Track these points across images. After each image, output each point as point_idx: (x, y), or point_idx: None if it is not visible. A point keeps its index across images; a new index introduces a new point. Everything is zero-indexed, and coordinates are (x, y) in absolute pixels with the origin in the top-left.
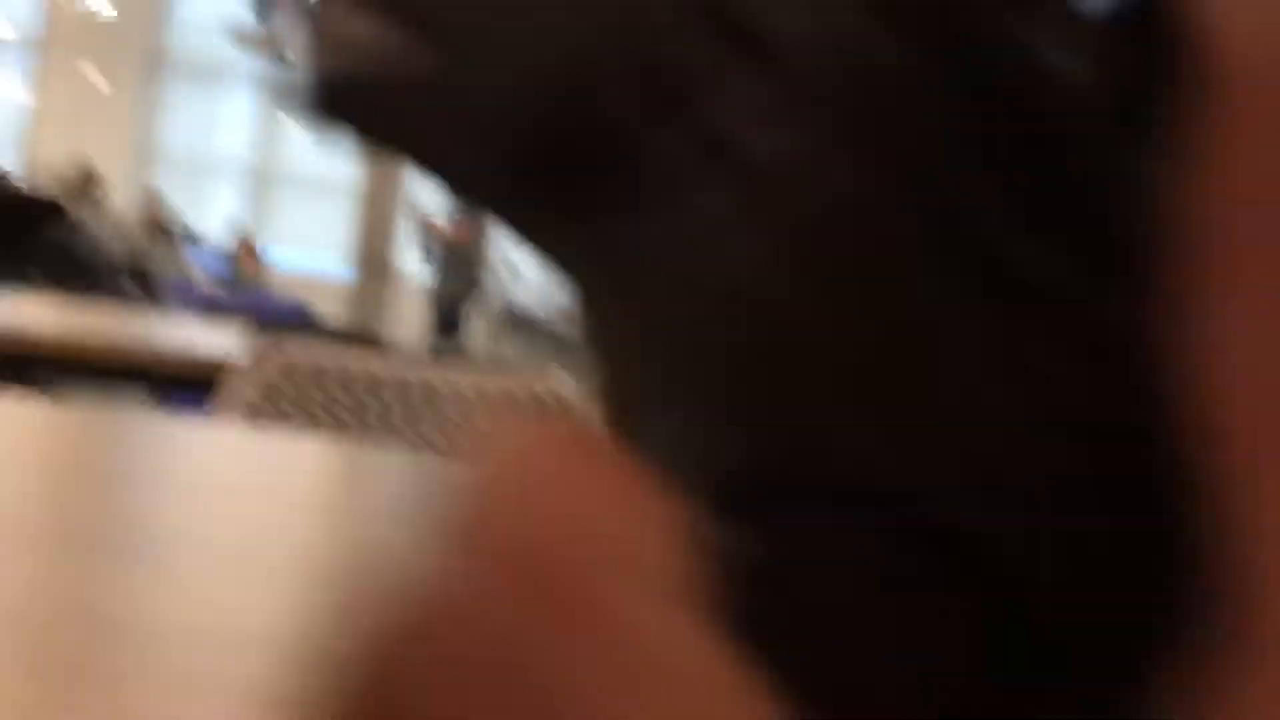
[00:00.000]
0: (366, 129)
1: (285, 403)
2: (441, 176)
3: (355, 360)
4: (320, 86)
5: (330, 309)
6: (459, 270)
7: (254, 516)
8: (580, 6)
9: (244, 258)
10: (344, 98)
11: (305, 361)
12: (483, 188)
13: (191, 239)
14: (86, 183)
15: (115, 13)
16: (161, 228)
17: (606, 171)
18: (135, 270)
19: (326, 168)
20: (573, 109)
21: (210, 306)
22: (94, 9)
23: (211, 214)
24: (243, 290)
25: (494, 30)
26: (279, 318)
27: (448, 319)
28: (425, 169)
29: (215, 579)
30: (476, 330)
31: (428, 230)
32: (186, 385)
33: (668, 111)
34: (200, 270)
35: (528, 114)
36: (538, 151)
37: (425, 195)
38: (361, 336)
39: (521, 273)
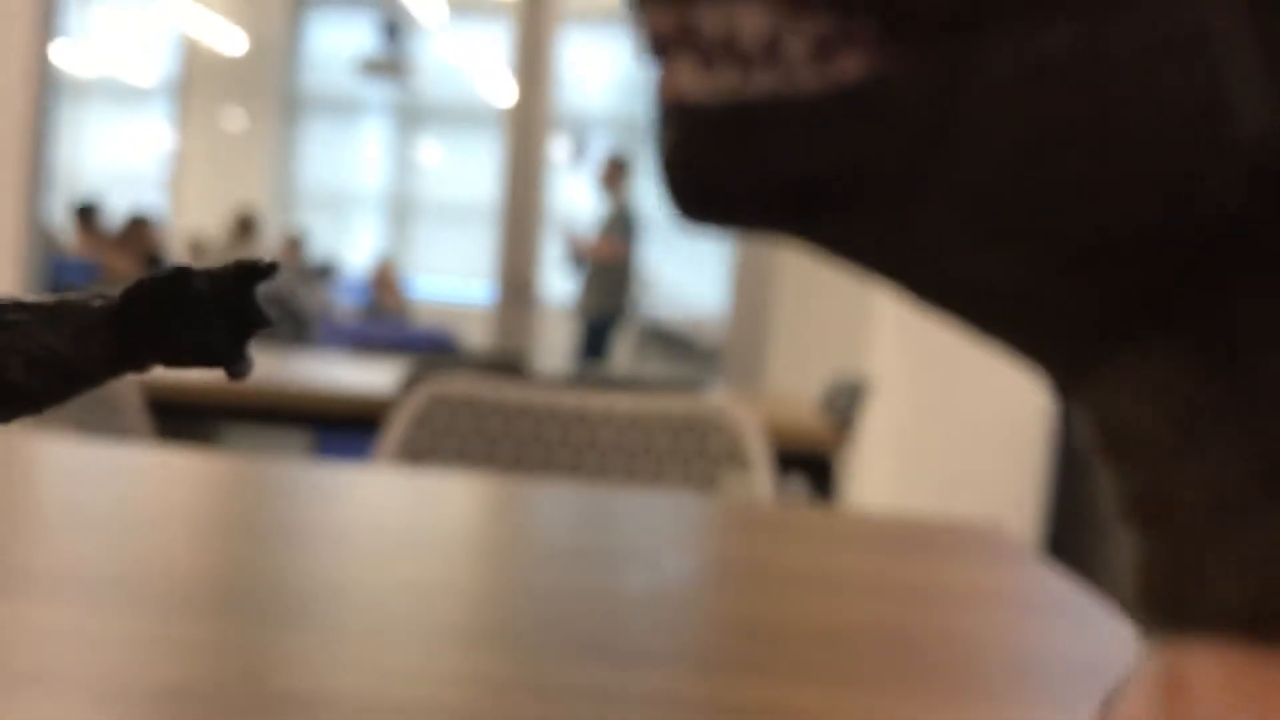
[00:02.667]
0: (774, 204)
1: (441, 435)
2: (923, 286)
3: (507, 389)
4: (692, 128)
5: (475, 334)
6: (605, 288)
7: (423, 568)
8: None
9: (385, 289)
10: (735, 143)
11: (458, 392)
12: (1020, 311)
13: (333, 275)
14: (246, 227)
15: (248, 54)
16: (306, 265)
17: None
18: (285, 309)
19: (465, 194)
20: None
21: (356, 340)
22: (228, 51)
23: (352, 247)
24: (386, 322)
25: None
26: (425, 347)
27: (594, 339)
28: (889, 269)
29: (386, 641)
30: (618, 348)
31: (575, 247)
32: (346, 424)
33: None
34: (344, 304)
35: (1163, 182)
36: (1155, 247)
37: (564, 212)
38: (507, 361)
39: (665, 289)
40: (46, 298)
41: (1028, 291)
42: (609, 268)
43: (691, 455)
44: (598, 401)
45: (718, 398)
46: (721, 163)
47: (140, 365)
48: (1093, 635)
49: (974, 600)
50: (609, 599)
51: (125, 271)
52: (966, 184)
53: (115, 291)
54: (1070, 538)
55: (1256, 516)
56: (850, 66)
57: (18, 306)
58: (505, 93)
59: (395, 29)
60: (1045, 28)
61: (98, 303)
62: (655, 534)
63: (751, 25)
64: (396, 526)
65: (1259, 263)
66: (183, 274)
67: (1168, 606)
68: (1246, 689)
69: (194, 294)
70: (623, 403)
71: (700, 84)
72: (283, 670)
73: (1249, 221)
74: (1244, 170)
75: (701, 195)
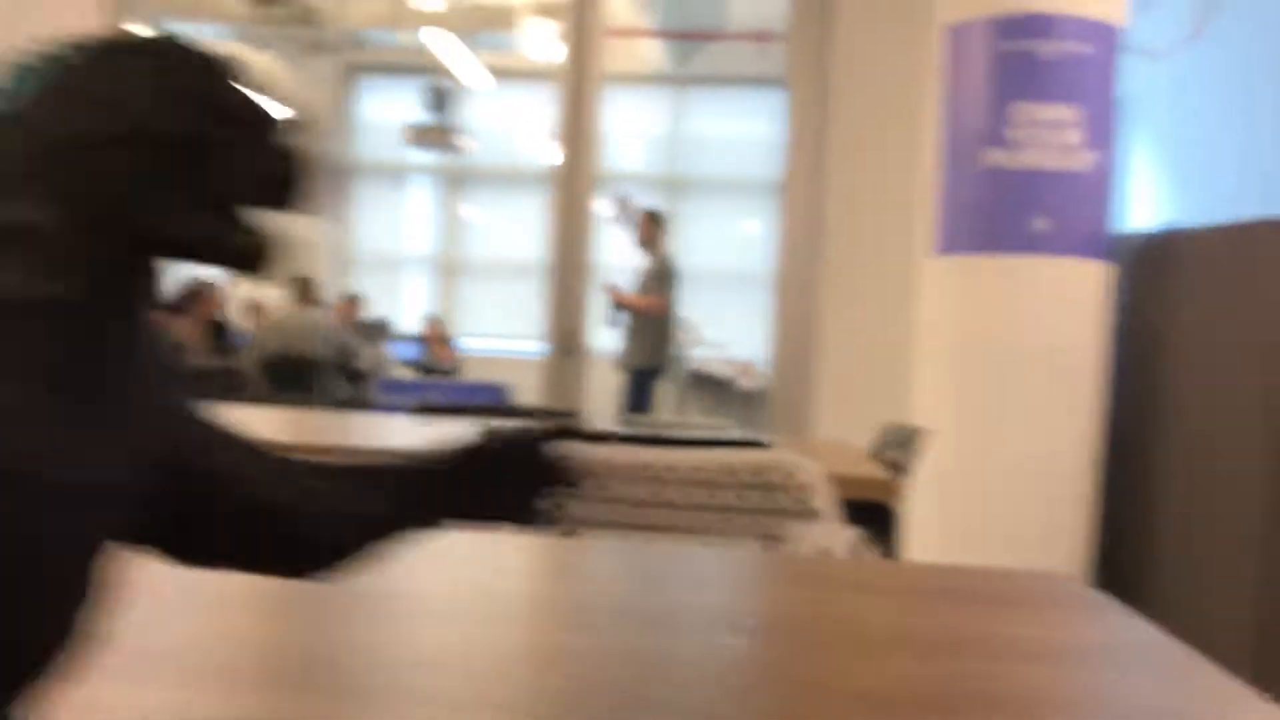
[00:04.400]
0: None
1: None
2: None
3: (574, 447)
4: None
5: (523, 387)
6: (648, 339)
7: (496, 630)
8: None
9: (436, 345)
10: None
11: None
12: None
13: (387, 333)
14: (307, 290)
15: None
16: (363, 326)
17: None
18: (346, 370)
19: (510, 252)
20: None
21: (412, 394)
22: None
23: (403, 307)
24: (440, 377)
25: None
26: (478, 401)
27: (638, 389)
28: None
29: (467, 706)
30: (662, 396)
31: (618, 301)
32: None
33: None
34: (398, 362)
35: None
36: None
37: (608, 267)
38: (558, 412)
39: (702, 336)
40: (355, 464)
41: None
42: (650, 319)
43: (758, 509)
44: (664, 457)
45: (785, 452)
46: None
47: (438, 522)
48: (1180, 682)
49: (1055, 652)
50: (675, 660)
51: (189, 337)
52: None
53: (425, 456)
54: (1118, 579)
55: None
56: None
57: (334, 470)
58: (549, 154)
59: (442, 97)
60: None
61: (400, 466)
62: (722, 592)
63: None
64: (470, 588)
65: None
66: (491, 439)
67: None
68: None
69: (502, 457)
70: (691, 458)
71: None
72: None
73: None
74: None
75: None
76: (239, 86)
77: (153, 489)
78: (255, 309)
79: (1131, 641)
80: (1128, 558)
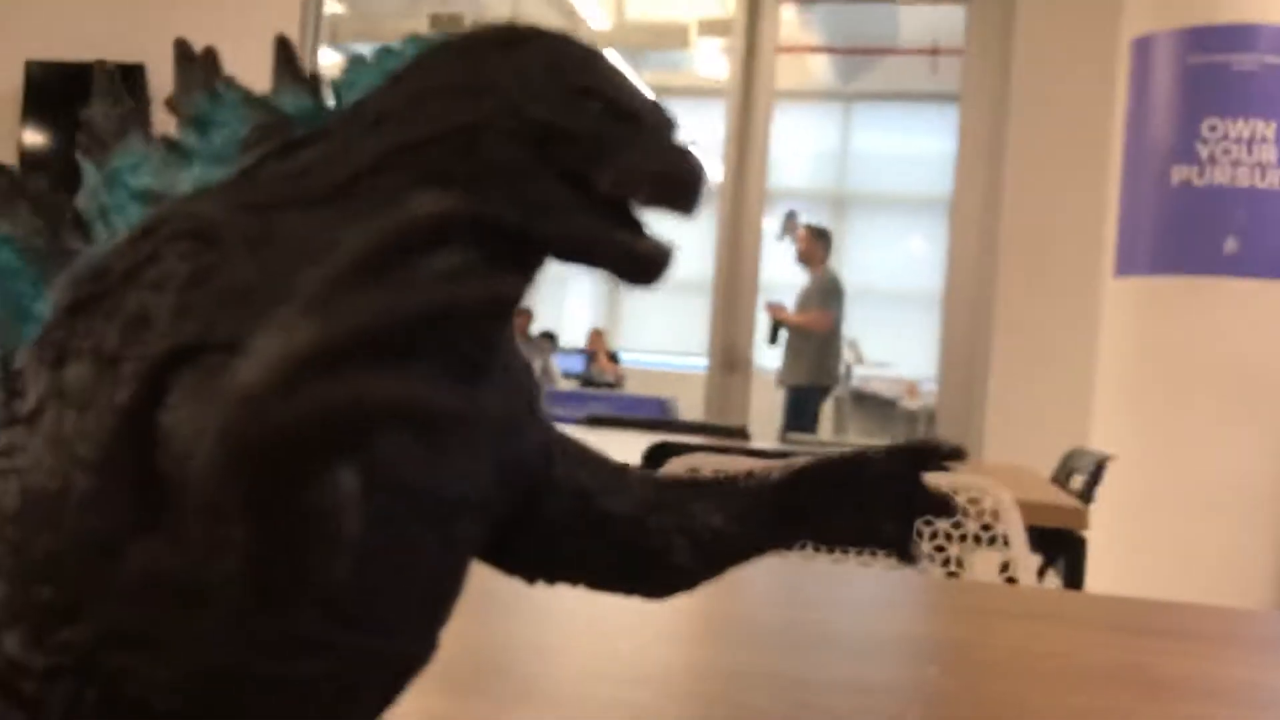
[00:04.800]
0: None
1: None
2: None
3: (747, 464)
4: None
5: (686, 403)
6: (810, 356)
7: (660, 649)
8: None
9: (600, 358)
10: None
11: (704, 465)
12: None
13: (555, 345)
14: None
15: None
16: (529, 337)
17: None
18: None
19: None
20: None
21: (575, 409)
22: None
23: (567, 319)
24: (602, 390)
25: None
26: (640, 414)
27: (800, 407)
28: None
29: None
30: (824, 415)
31: (779, 319)
32: None
33: None
34: (562, 373)
35: None
36: None
37: (774, 284)
38: (727, 429)
39: (866, 354)
40: (703, 479)
41: None
42: (812, 337)
43: (943, 534)
44: None
45: (973, 475)
46: None
47: (795, 543)
48: None
49: (1266, 696)
50: (836, 685)
51: None
52: None
53: (776, 473)
54: None
55: None
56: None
57: (676, 485)
58: (715, 170)
59: None
60: None
61: (754, 484)
62: (888, 616)
63: None
64: (608, 604)
65: None
66: (859, 457)
67: None
68: None
69: (870, 478)
70: None
71: None
72: None
73: None
74: None
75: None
76: (626, 80)
77: (506, 502)
78: None
79: None
80: None
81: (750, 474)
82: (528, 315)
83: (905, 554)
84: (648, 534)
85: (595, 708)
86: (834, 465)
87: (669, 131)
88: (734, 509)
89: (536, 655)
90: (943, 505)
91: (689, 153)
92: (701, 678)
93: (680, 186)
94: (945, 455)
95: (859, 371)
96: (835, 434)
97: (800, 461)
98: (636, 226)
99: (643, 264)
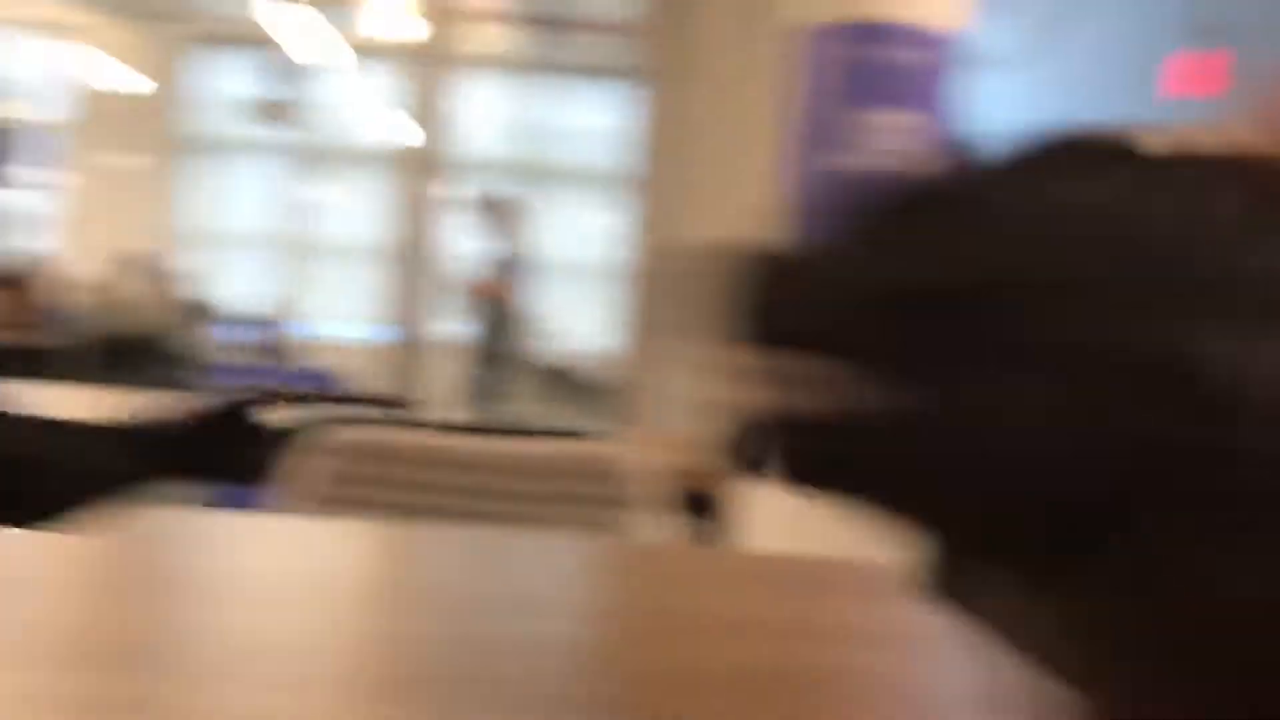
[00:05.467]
0: (860, 480)
1: (341, 483)
2: (937, 529)
3: (406, 435)
4: (798, 432)
5: (366, 374)
6: (494, 327)
7: (327, 618)
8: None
9: (274, 329)
10: (829, 442)
11: (355, 438)
12: (989, 543)
13: (225, 315)
14: (134, 268)
15: (142, 96)
16: (195, 306)
17: (1097, 538)
18: (178, 352)
19: (359, 235)
20: (1080, 491)
21: (244, 381)
22: (120, 93)
23: (242, 287)
24: (277, 362)
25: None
26: (316, 386)
27: (484, 377)
28: (918, 520)
29: (297, 692)
30: (512, 387)
31: (464, 288)
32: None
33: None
34: (234, 345)
35: (1048, 488)
36: (1044, 519)
37: (457, 254)
38: (400, 401)
39: (553, 327)
40: (86, 419)
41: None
42: (498, 308)
43: (589, 499)
44: (497, 447)
45: (615, 441)
46: (823, 452)
47: (166, 478)
48: (979, 666)
49: (872, 640)
50: (509, 646)
51: (16, 317)
52: (940, 471)
53: (149, 413)
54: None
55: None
56: (876, 396)
57: (59, 426)
58: (398, 136)
59: (287, 72)
60: (968, 384)
61: (133, 422)
62: (554, 580)
63: (814, 368)
64: (298, 576)
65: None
66: (232, 404)
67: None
68: None
69: (220, 418)
70: (522, 447)
71: (778, 400)
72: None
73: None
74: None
75: (812, 475)
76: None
77: None
78: (86, 288)
79: (932, 627)
80: None
81: (128, 418)
82: (186, 282)
83: (253, 480)
84: (27, 470)
85: (262, 679)
86: (189, 412)
87: None
88: (106, 446)
89: (196, 633)
90: (276, 437)
91: None
92: (378, 644)
93: None
94: (272, 397)
95: (546, 345)
96: (524, 405)
97: (166, 409)
98: None
99: None
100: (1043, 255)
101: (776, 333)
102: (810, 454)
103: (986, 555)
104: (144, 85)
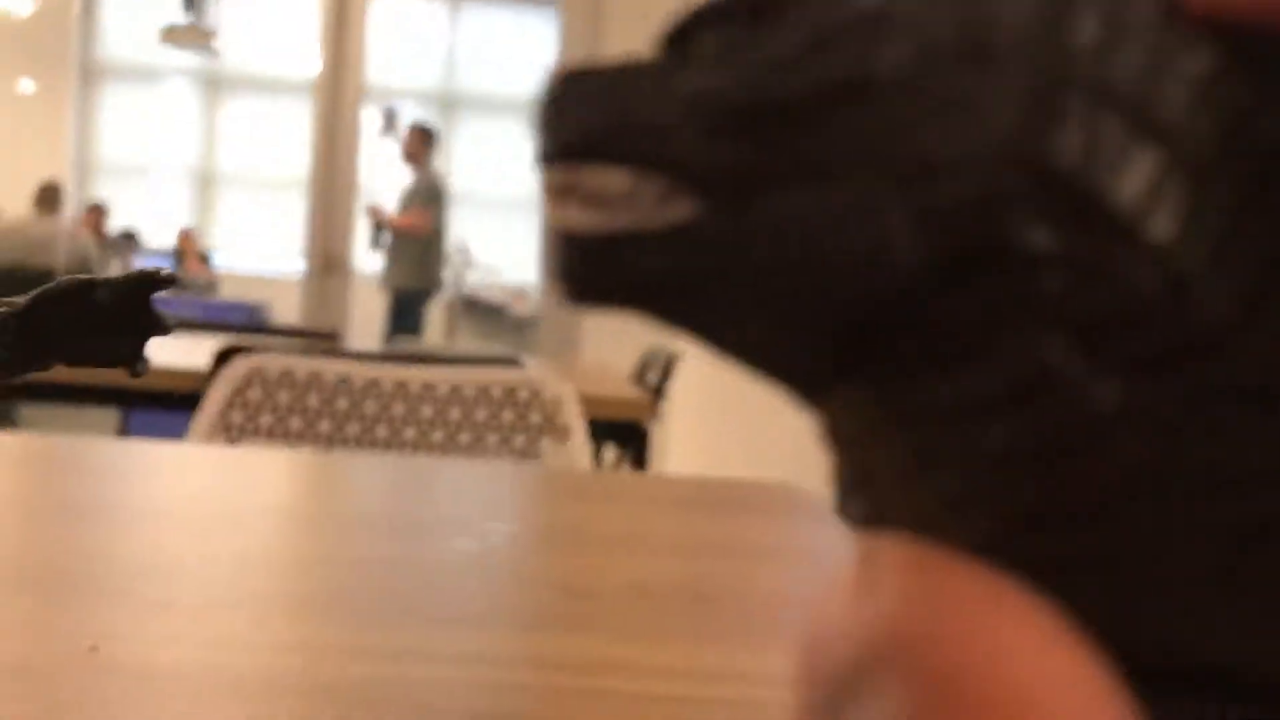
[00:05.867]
0: (630, 296)
1: (257, 411)
2: (721, 346)
3: (324, 363)
4: (575, 249)
5: (283, 307)
6: (413, 260)
7: (244, 541)
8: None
9: (189, 260)
10: (603, 261)
11: (273, 367)
12: (777, 362)
13: (136, 246)
14: (50, 198)
15: (40, 18)
16: (106, 237)
17: (907, 336)
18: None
19: (273, 165)
20: (877, 279)
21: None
22: (18, 14)
23: (154, 219)
24: (192, 294)
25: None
26: (233, 319)
27: (403, 312)
28: (702, 336)
29: (212, 612)
30: (432, 320)
31: (378, 220)
32: (154, 403)
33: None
34: None
35: (845, 293)
36: (844, 328)
37: (375, 185)
38: (317, 333)
39: (474, 259)
40: None
41: (772, 348)
42: (416, 240)
43: (510, 427)
44: (417, 375)
45: (536, 370)
46: (594, 270)
47: (43, 367)
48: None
49: (775, 555)
50: (428, 565)
51: None
52: (736, 290)
53: (19, 299)
54: None
55: (913, 487)
56: (677, 212)
57: None
58: (313, 63)
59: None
60: (784, 197)
61: (2, 310)
62: (473, 502)
63: (615, 183)
64: (216, 502)
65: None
66: (86, 284)
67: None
68: (915, 556)
69: (97, 302)
70: (442, 375)
71: (583, 220)
72: (113, 644)
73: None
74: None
75: (581, 291)
76: None
77: None
78: None
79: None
80: None
81: (2, 302)
82: (98, 212)
83: (134, 370)
84: None
85: (172, 600)
86: (69, 290)
87: None
88: None
89: (100, 556)
90: (163, 325)
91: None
92: (297, 566)
93: None
94: (162, 282)
95: (468, 277)
96: (444, 339)
97: (42, 288)
98: None
99: None
100: (864, 56)
101: (581, 145)
102: (599, 265)
103: (766, 370)
104: (28, 5)
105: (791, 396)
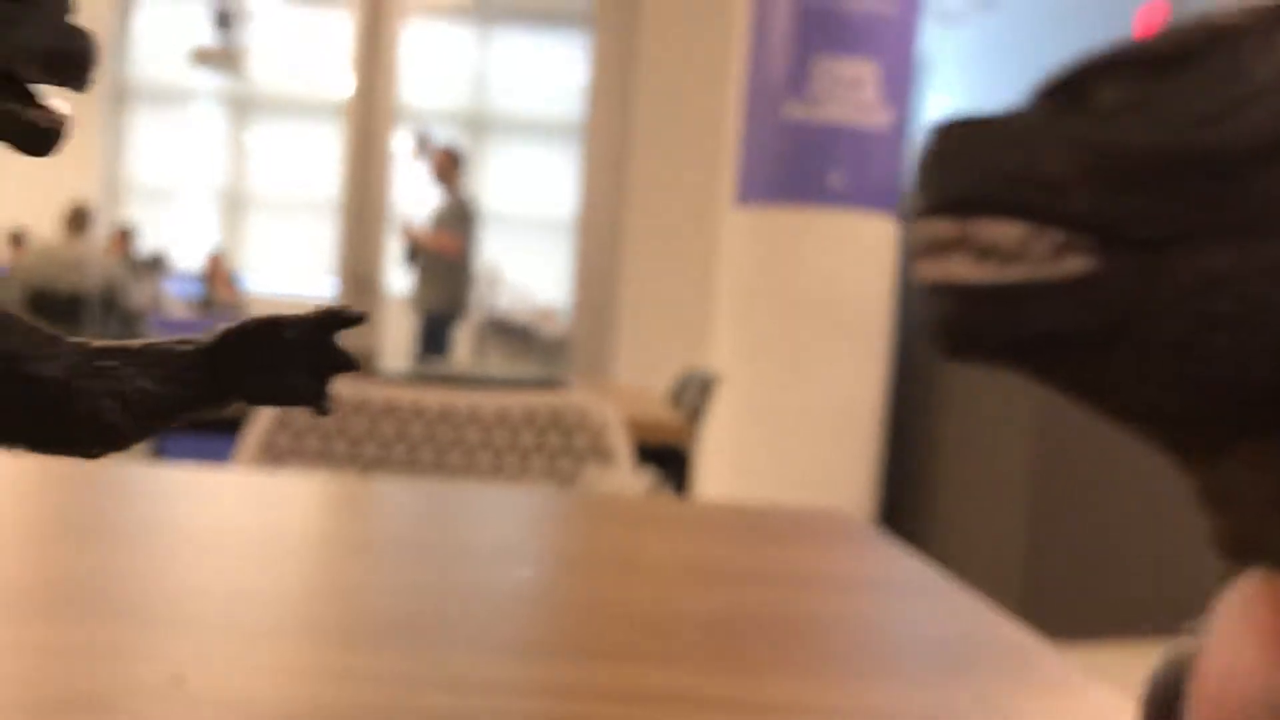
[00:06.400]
0: (1022, 349)
1: (302, 436)
2: (1104, 402)
3: (369, 388)
4: (965, 301)
5: None
6: (443, 281)
7: (292, 568)
8: None
9: (218, 283)
10: (998, 312)
11: None
12: (1170, 418)
13: (164, 268)
14: (79, 220)
15: None
16: (135, 259)
17: None
18: (116, 307)
19: (301, 187)
20: None
21: (187, 337)
22: None
23: (184, 241)
24: (219, 316)
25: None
26: None
27: (433, 333)
28: (1086, 392)
29: (261, 640)
30: (460, 341)
31: (412, 239)
32: (191, 426)
33: None
34: (176, 299)
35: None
36: (1271, 385)
37: (407, 205)
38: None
39: (504, 280)
40: (136, 344)
41: (1179, 413)
42: (445, 261)
43: (556, 451)
44: (462, 399)
45: (581, 394)
46: (988, 322)
47: (226, 404)
48: (945, 610)
49: (830, 583)
50: (478, 593)
51: None
52: (1145, 348)
53: (205, 337)
54: (899, 516)
55: None
56: (1076, 265)
57: (109, 352)
58: (345, 85)
59: (228, 18)
60: (1209, 251)
61: (187, 347)
62: (522, 528)
63: (1009, 236)
64: (261, 528)
65: None
66: (274, 322)
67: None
68: None
69: (284, 339)
70: (487, 399)
71: (971, 272)
72: (159, 670)
73: None
74: None
75: (970, 343)
76: None
77: None
78: (16, 239)
79: (900, 572)
80: (910, 502)
81: (184, 340)
82: (126, 235)
83: (321, 408)
84: (76, 397)
85: (227, 627)
86: (257, 327)
87: (62, 9)
88: (163, 371)
89: (154, 580)
90: (348, 363)
91: (80, 30)
92: (345, 594)
93: (71, 62)
94: (349, 320)
95: (497, 298)
96: (473, 359)
97: (225, 325)
98: (28, 98)
99: (35, 133)
100: None
101: (973, 198)
102: (993, 317)
103: (1152, 426)
104: None
105: (1171, 455)
